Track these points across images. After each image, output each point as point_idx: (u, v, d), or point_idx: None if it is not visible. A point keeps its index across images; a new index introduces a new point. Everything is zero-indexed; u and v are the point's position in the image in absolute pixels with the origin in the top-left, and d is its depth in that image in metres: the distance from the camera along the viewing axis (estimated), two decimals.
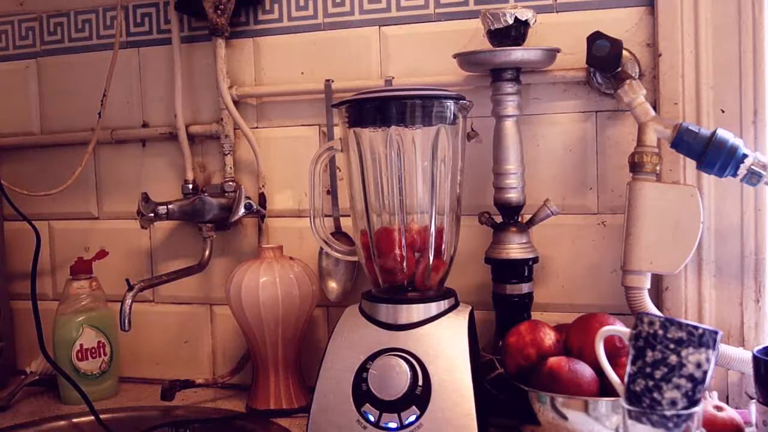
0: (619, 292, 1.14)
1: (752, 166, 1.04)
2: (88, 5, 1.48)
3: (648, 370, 0.79)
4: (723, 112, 1.14)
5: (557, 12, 1.23)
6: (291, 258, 1.29)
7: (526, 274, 1.18)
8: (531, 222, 1.19)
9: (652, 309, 1.11)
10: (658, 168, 1.11)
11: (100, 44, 1.47)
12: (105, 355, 1.39)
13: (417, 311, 1.06)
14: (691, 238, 1.08)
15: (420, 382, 1.01)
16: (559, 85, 1.23)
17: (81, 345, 1.36)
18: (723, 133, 1.05)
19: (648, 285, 1.10)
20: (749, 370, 1.00)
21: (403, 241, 1.10)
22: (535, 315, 1.22)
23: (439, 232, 1.11)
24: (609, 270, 1.22)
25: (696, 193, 1.09)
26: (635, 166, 1.11)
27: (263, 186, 1.38)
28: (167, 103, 1.42)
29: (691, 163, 1.12)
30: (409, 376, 1.00)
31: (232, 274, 1.27)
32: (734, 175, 1.05)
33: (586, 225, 1.24)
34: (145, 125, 1.46)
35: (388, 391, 1.01)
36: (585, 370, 0.98)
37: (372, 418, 1.01)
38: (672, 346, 0.79)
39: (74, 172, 1.42)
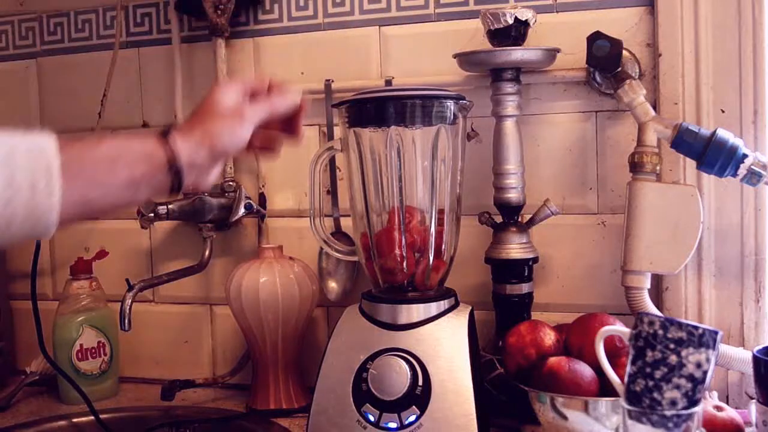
0: (619, 292, 1.14)
1: (752, 166, 1.04)
2: (88, 5, 1.48)
3: (648, 370, 0.79)
4: (723, 112, 1.14)
5: (557, 12, 1.23)
6: (291, 258, 1.28)
7: (526, 274, 1.18)
8: (531, 222, 1.19)
9: (652, 309, 1.11)
10: (658, 168, 1.11)
11: (100, 44, 1.47)
12: (105, 355, 1.39)
13: (417, 311, 1.06)
14: (691, 238, 1.08)
15: (420, 382, 1.01)
16: (559, 85, 1.23)
17: (81, 345, 1.36)
18: (723, 133, 1.05)
19: (648, 285, 1.10)
20: (749, 370, 1.00)
21: (403, 241, 1.10)
22: (535, 315, 1.21)
23: (439, 232, 1.11)
24: (609, 270, 1.22)
25: (696, 193, 1.09)
26: (635, 166, 1.11)
27: (263, 186, 1.38)
28: (167, 103, 1.42)
29: (691, 163, 1.12)
30: (409, 376, 1.00)
31: (232, 274, 1.27)
32: (734, 175, 1.05)
33: (586, 225, 1.24)
34: (145, 125, 1.46)
35: (388, 391, 1.01)
36: (585, 370, 0.98)
37: (372, 418, 1.01)
38: (672, 346, 0.79)
39: None
